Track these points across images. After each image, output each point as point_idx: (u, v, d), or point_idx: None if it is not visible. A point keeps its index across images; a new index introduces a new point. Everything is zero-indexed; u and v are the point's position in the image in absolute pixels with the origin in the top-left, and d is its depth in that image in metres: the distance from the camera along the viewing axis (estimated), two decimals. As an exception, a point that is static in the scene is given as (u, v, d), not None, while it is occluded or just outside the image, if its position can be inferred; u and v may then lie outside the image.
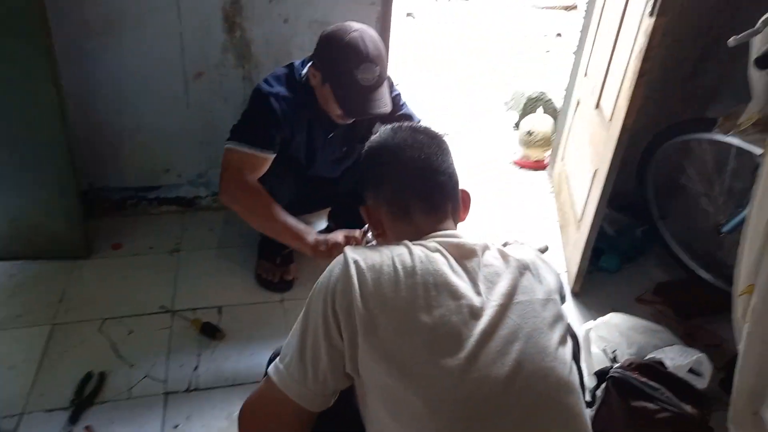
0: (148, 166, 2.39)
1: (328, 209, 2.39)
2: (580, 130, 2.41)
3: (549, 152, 3.14)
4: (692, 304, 2.06)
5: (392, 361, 0.89)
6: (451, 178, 1.08)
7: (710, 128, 1.78)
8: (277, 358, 0.99)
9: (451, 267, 0.96)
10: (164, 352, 1.79)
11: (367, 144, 1.13)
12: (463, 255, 0.98)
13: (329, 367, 0.93)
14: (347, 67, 1.69)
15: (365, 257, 0.95)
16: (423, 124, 1.16)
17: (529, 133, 3.06)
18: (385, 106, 1.78)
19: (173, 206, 2.49)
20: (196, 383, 1.70)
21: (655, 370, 1.47)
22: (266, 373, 1.00)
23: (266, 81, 1.84)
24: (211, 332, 1.85)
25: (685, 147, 2.06)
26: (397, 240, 1.04)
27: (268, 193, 1.82)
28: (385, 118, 1.93)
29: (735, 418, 1.49)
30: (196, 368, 1.75)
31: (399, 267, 0.94)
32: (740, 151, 1.80)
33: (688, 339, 1.85)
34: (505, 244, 1.85)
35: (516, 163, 3.17)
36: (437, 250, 0.97)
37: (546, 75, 4.22)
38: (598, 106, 2.16)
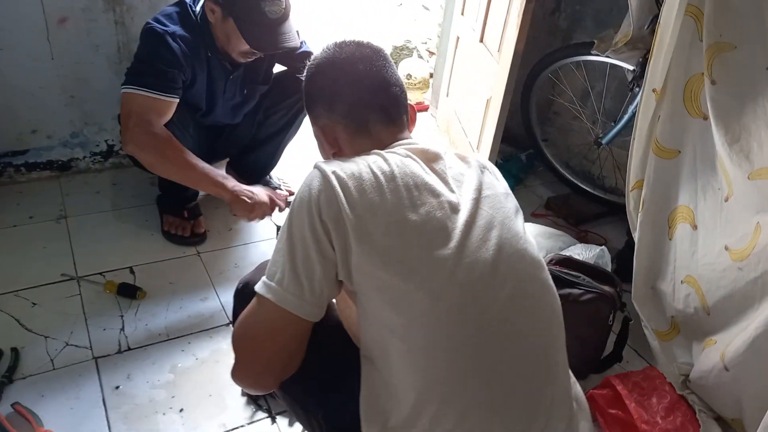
0: (10, 128, 2.10)
1: (226, 160, 2.30)
2: (464, 66, 2.55)
3: (426, 94, 3.28)
4: (578, 212, 2.32)
5: (389, 260, 0.92)
6: (402, 90, 1.11)
7: (586, 51, 1.99)
8: (263, 278, 0.97)
9: (423, 169, 1.00)
10: (80, 320, 1.64)
11: (312, 62, 1.11)
12: (430, 159, 1.03)
13: (323, 277, 0.93)
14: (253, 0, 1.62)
15: (342, 167, 0.96)
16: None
17: (408, 76, 3.16)
18: (295, 39, 1.74)
19: (46, 171, 2.23)
20: (127, 343, 1.58)
21: (571, 261, 1.65)
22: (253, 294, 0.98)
23: (157, 20, 1.70)
24: (130, 292, 1.72)
25: (564, 72, 2.28)
26: (356, 155, 1.06)
27: None
28: (285, 57, 1.89)
29: (636, 293, 1.74)
30: (122, 329, 1.62)
31: (378, 173, 0.96)
32: (614, 68, 2.03)
33: (581, 242, 2.09)
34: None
35: (396, 106, 3.26)
36: (407, 156, 1.01)
37: (405, 25, 4.35)
38: (482, 40, 2.29)
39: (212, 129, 2.04)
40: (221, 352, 1.59)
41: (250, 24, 1.65)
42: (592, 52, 1.90)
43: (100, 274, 1.80)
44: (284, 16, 1.69)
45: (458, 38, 2.62)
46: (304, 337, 0.99)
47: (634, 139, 1.67)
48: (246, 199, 1.70)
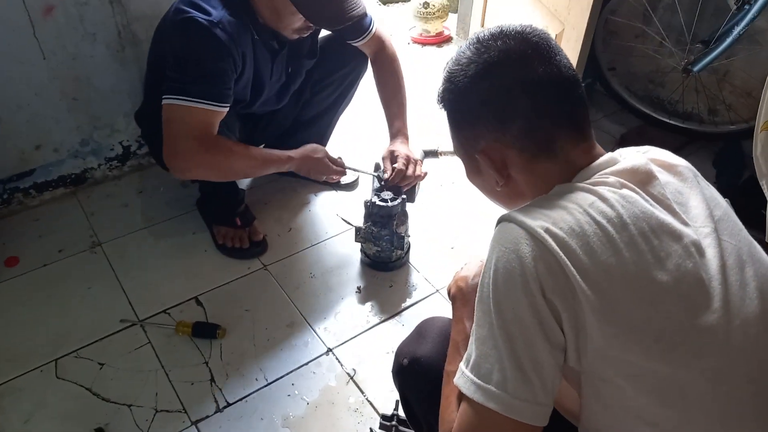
0: (10, 148, 1.78)
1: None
2: (508, -8, 2.21)
3: (446, 21, 2.93)
4: (657, 146, 2.09)
5: (645, 340, 0.71)
6: (580, 81, 0.83)
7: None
8: (470, 375, 0.74)
9: (648, 201, 0.77)
10: (161, 375, 1.42)
11: (458, 66, 0.81)
12: (644, 181, 0.79)
13: (555, 369, 0.72)
14: None
15: (552, 220, 0.72)
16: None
17: (426, 5, 2.79)
18: (361, 4, 1.43)
19: (60, 188, 1.93)
20: (224, 397, 1.38)
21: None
22: (460, 397, 0.76)
23: (191, 3, 1.34)
24: (208, 332, 1.49)
25: None
26: (535, 186, 0.81)
27: None
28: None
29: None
30: (212, 380, 1.42)
31: (603, 221, 0.72)
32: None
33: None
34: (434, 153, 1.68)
35: (415, 40, 2.92)
36: (623, 186, 0.77)
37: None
38: (536, -40, 1.96)
39: (250, 116, 1.74)
40: (331, 390, 1.40)
41: None
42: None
43: (165, 312, 1.57)
44: None
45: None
46: None
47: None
48: (317, 161, 1.61)
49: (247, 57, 1.43)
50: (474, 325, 0.75)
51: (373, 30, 1.65)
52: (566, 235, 0.71)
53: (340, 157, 1.69)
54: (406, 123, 1.70)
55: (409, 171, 1.59)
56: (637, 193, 0.76)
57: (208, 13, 1.32)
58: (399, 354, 0.96)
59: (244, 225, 1.75)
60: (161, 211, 1.88)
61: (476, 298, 0.75)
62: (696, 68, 1.84)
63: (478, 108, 0.80)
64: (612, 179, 0.77)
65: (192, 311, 1.57)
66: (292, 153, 1.58)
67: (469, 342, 0.76)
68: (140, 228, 1.82)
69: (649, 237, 0.72)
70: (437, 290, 1.65)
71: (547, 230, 0.71)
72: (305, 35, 1.47)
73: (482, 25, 2.47)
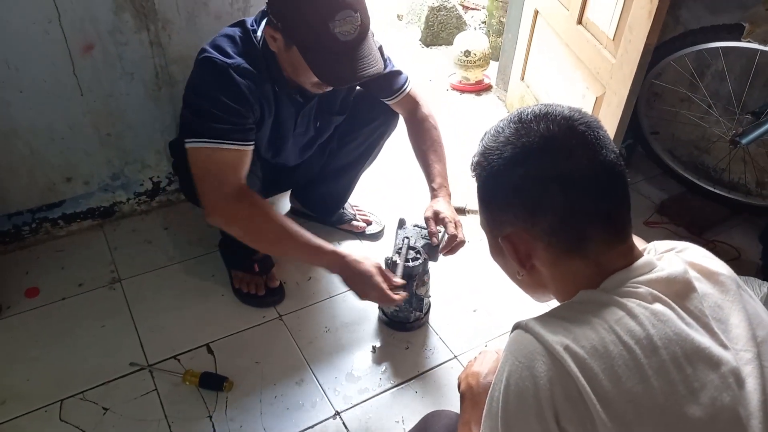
0: (41, 178, 1.80)
1: (289, 191, 2.00)
2: (549, 49, 2.17)
3: (487, 70, 2.90)
4: (700, 218, 2.00)
5: None
6: (626, 177, 0.75)
7: (733, 36, 1.61)
8: None
9: (683, 319, 0.69)
10: (163, 426, 1.38)
11: (492, 146, 0.74)
12: (680, 295, 0.71)
13: None
14: (318, 20, 1.23)
15: (574, 338, 0.65)
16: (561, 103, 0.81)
17: (467, 53, 2.77)
18: (377, 63, 1.35)
19: (87, 220, 1.94)
20: (224, 457, 1.34)
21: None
22: None
23: (216, 47, 1.35)
24: (215, 383, 1.46)
25: (698, 57, 1.90)
26: (559, 283, 0.75)
27: None
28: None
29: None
30: (214, 437, 1.38)
31: (631, 342, 0.65)
32: (764, 55, 1.66)
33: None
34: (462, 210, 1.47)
35: (454, 87, 2.89)
36: (656, 300, 0.69)
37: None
38: (580, 21, 1.91)
39: (276, 163, 1.73)
40: (336, 459, 1.34)
41: (318, 52, 1.28)
42: (743, 39, 1.53)
43: (175, 358, 1.54)
44: (361, 36, 1.30)
45: (536, 12, 2.23)
46: None
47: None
48: (357, 275, 1.39)
49: (265, 108, 1.42)
50: None
51: (407, 89, 1.61)
52: (588, 356, 0.64)
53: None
54: (447, 179, 1.61)
55: (460, 236, 1.49)
56: (671, 308, 0.69)
57: (228, 56, 1.32)
58: (400, 447, 0.90)
59: (262, 272, 1.72)
60: (184, 250, 1.87)
61: (485, 409, 0.69)
62: (744, 141, 1.75)
63: (508, 194, 0.73)
64: (643, 290, 0.69)
65: (202, 359, 1.54)
66: (337, 250, 1.39)
67: None
68: (161, 266, 1.81)
69: (682, 364, 0.65)
70: (455, 356, 1.58)
71: (566, 348, 0.64)
72: (326, 90, 1.44)
73: (522, 78, 2.43)
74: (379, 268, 1.40)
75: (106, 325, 1.62)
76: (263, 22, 1.37)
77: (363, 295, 1.40)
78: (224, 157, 1.33)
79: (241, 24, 1.41)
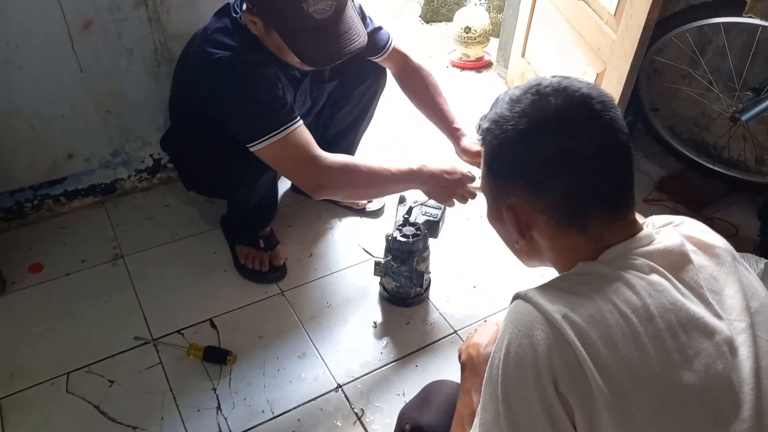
0: (42, 156, 1.81)
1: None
2: (549, 25, 2.16)
3: (487, 47, 2.88)
4: (699, 195, 2.01)
5: None
6: (633, 157, 0.76)
7: (734, 11, 1.61)
8: None
9: (678, 290, 0.70)
10: (168, 399, 1.41)
11: (507, 115, 0.73)
12: (676, 266, 0.72)
13: None
14: (291, 1, 1.22)
15: (572, 307, 0.67)
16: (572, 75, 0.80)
17: (467, 30, 2.76)
18: (358, 37, 1.33)
19: (89, 197, 1.95)
20: (228, 428, 1.36)
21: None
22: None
23: (217, 43, 1.33)
24: (219, 357, 1.48)
25: (693, 35, 1.89)
26: (557, 254, 0.77)
27: (243, 182, 1.51)
28: None
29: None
30: (218, 408, 1.40)
31: (627, 311, 0.66)
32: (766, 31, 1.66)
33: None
34: None
35: (455, 64, 2.88)
36: (653, 271, 0.70)
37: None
38: (582, -4, 1.90)
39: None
40: (337, 431, 1.37)
41: (297, 34, 1.27)
42: (744, 15, 1.53)
43: (178, 332, 1.56)
44: (338, 11, 1.28)
45: (538, -11, 2.22)
46: None
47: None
48: (446, 185, 1.43)
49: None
50: (480, 407, 0.71)
51: (392, 44, 1.61)
52: (586, 324, 0.66)
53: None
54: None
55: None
56: (667, 279, 0.70)
57: (235, 50, 1.31)
58: (402, 418, 0.92)
59: (267, 248, 1.73)
60: (185, 227, 1.88)
61: (485, 377, 0.71)
62: (744, 117, 1.75)
63: (518, 165, 0.74)
64: (641, 262, 0.71)
65: (205, 333, 1.56)
66: (422, 166, 1.41)
67: (474, 423, 0.72)
68: (163, 243, 1.83)
69: (677, 332, 0.67)
70: (455, 331, 1.60)
71: (565, 316, 0.66)
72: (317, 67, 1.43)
73: (523, 55, 2.42)
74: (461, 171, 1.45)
75: (110, 300, 1.64)
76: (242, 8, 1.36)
77: (450, 195, 1.44)
78: (295, 139, 1.33)
79: (225, 13, 1.39)
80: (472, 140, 1.53)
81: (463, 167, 1.46)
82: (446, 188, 1.43)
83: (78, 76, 1.71)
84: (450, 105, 1.63)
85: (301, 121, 1.36)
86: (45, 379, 1.44)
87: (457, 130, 1.57)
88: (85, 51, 1.68)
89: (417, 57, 1.67)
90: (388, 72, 1.71)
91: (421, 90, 1.64)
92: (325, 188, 1.38)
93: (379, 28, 1.60)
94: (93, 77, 1.73)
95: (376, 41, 1.59)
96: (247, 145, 1.33)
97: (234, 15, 1.38)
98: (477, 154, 1.50)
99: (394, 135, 2.26)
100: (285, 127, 1.32)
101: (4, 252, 1.74)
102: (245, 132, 1.33)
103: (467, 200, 1.46)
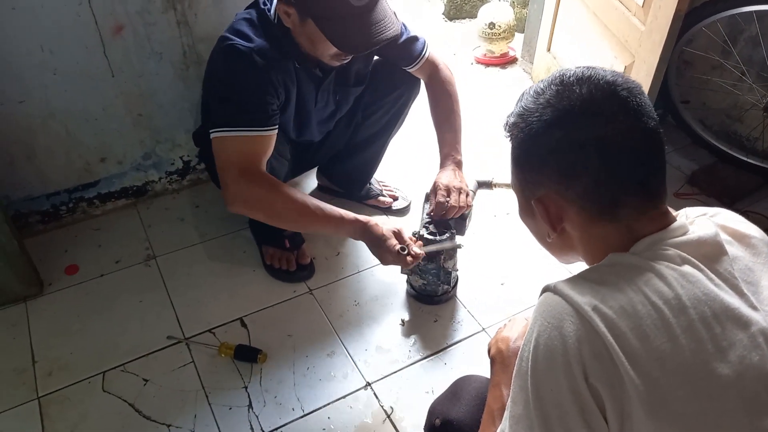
0: (76, 158, 1.85)
1: (314, 168, 2.02)
2: (575, 19, 2.13)
3: (512, 42, 2.86)
4: (732, 188, 1.96)
5: None
6: (663, 143, 0.75)
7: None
8: None
9: (713, 282, 0.69)
10: (201, 397, 1.44)
11: (533, 108, 0.73)
12: (710, 257, 0.71)
13: None
14: None
15: (602, 299, 0.66)
16: (601, 66, 0.80)
17: (491, 26, 2.74)
18: (394, 26, 1.35)
19: (122, 199, 1.99)
20: (260, 426, 1.38)
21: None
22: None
23: (236, 31, 1.37)
24: (250, 356, 1.50)
25: (731, 22, 1.85)
26: (589, 246, 0.76)
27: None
28: (385, 46, 1.51)
29: None
30: (249, 407, 1.42)
31: (659, 303, 0.66)
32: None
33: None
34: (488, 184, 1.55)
35: (479, 61, 2.86)
36: (685, 262, 0.70)
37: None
38: (609, -12, 1.87)
39: (302, 144, 1.75)
40: (367, 428, 1.37)
41: (333, 20, 1.29)
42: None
43: (210, 331, 1.59)
44: (373, 0, 1.31)
45: (563, -19, 2.19)
46: None
47: None
48: (375, 238, 1.43)
49: (290, 86, 1.44)
50: (510, 399, 0.71)
51: (426, 55, 1.62)
52: (616, 316, 0.65)
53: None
54: (457, 148, 1.62)
55: (452, 200, 1.50)
56: (700, 270, 0.69)
57: (249, 40, 1.34)
58: (432, 412, 0.93)
59: (293, 248, 1.75)
60: (215, 227, 1.91)
61: (515, 370, 0.71)
62: (778, 109, 1.72)
63: (545, 156, 0.74)
64: (672, 252, 0.70)
65: (236, 332, 1.58)
66: (359, 217, 1.43)
67: (504, 416, 0.72)
68: (194, 243, 1.86)
69: (710, 323, 0.66)
70: (483, 329, 1.60)
71: (595, 308, 0.66)
72: (345, 61, 1.44)
73: (548, 50, 2.40)
74: (395, 232, 1.44)
75: (144, 300, 1.68)
76: (275, 0, 1.38)
77: (381, 260, 1.45)
78: (247, 146, 1.36)
79: (254, 5, 1.43)
80: (443, 174, 1.56)
81: (403, 240, 1.44)
82: (378, 249, 1.44)
83: (110, 80, 1.75)
84: (452, 131, 1.63)
85: (270, 133, 1.38)
86: (82, 377, 1.48)
87: (441, 160, 1.61)
88: (116, 55, 1.72)
89: (448, 70, 1.68)
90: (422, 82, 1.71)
91: (435, 107, 1.67)
92: (237, 203, 1.38)
93: (416, 38, 1.61)
94: (124, 81, 1.77)
95: (412, 50, 1.60)
96: (209, 129, 1.36)
97: (262, 7, 1.40)
98: (434, 190, 1.54)
99: (420, 153, 2.23)
100: (248, 129, 1.34)
101: (41, 254, 1.78)
102: (215, 115, 1.37)
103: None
